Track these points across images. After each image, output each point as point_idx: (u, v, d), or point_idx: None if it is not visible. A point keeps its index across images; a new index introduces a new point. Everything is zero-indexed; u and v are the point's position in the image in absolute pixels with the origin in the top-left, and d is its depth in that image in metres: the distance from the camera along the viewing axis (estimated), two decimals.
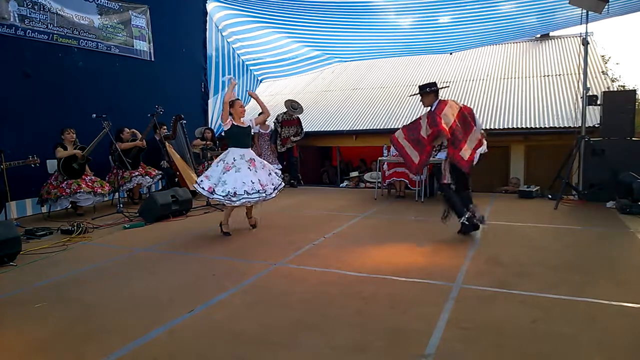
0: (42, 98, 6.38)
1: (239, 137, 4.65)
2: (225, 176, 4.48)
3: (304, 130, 9.13)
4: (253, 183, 4.49)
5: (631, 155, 6.13)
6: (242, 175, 4.48)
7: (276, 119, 8.92)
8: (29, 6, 6.20)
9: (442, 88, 4.51)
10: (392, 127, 8.99)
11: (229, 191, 4.40)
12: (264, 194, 4.55)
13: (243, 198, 4.42)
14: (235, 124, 4.64)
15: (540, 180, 7.41)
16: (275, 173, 4.88)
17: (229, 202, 4.45)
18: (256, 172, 4.61)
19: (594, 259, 3.74)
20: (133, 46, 7.80)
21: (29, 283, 3.40)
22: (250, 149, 4.77)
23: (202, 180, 4.56)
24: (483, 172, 8.04)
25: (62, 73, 6.66)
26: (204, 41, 9.43)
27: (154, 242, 4.60)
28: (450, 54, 10.97)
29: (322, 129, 9.81)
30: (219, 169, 4.58)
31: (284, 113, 8.98)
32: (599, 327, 2.44)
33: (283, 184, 4.91)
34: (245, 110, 4.83)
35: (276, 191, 4.73)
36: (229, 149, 4.69)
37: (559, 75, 9.54)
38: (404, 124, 8.22)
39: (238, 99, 4.84)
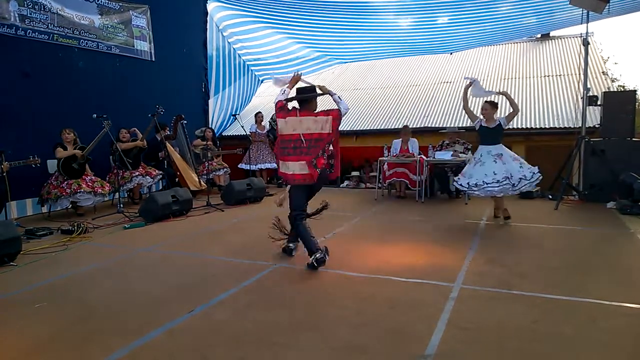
0: (42, 98, 6.38)
1: (487, 135, 5.14)
2: (473, 170, 5.10)
3: None
4: (495, 174, 4.90)
5: (631, 156, 6.13)
6: (485, 168, 4.98)
7: (272, 118, 8.91)
8: (30, 6, 6.20)
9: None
10: (392, 127, 8.99)
11: (472, 183, 5.00)
12: (507, 185, 4.86)
13: (483, 188, 4.92)
14: (484, 125, 5.14)
15: (541, 180, 7.40)
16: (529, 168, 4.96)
17: (471, 192, 5.09)
18: (503, 164, 4.94)
19: (594, 259, 3.74)
20: (134, 46, 7.79)
21: (29, 283, 3.40)
22: (499, 144, 5.10)
23: (459, 178, 5.24)
24: None
25: (63, 73, 6.66)
26: (204, 41, 9.44)
27: (154, 242, 4.60)
28: (451, 54, 10.97)
29: None
30: (471, 165, 5.21)
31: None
32: (599, 327, 2.44)
33: (537, 176, 4.91)
34: (489, 112, 5.11)
35: (528, 183, 4.88)
36: (479, 146, 5.22)
37: (560, 75, 9.53)
38: (404, 124, 8.31)
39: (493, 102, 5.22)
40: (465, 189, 5.12)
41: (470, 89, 5.28)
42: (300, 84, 4.10)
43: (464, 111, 5.62)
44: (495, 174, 4.89)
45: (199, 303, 2.87)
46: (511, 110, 5.11)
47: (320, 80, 12.76)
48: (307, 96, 3.96)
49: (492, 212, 5.69)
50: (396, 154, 7.17)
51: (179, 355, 2.24)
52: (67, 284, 3.39)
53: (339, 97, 3.99)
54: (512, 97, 5.27)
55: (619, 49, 37.50)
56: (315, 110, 3.94)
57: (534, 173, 4.87)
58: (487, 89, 5.48)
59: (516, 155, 5.10)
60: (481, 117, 5.19)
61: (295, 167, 3.75)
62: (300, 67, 10.99)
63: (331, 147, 3.84)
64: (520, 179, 4.85)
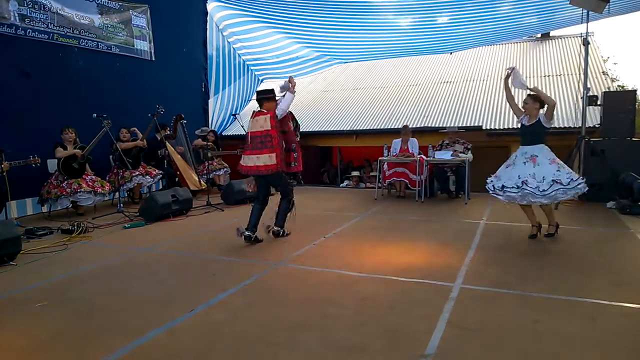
0: (42, 98, 6.38)
1: (524, 134, 4.55)
2: (502, 172, 4.56)
3: (301, 128, 9.11)
4: (519, 178, 4.30)
5: (631, 156, 6.12)
6: (513, 170, 4.43)
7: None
8: (29, 5, 6.20)
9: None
10: (392, 127, 8.98)
11: (498, 186, 4.46)
12: (527, 191, 4.26)
13: (505, 193, 4.41)
14: (523, 123, 4.55)
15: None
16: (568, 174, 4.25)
17: (496, 195, 4.54)
18: (537, 165, 4.27)
19: (594, 259, 3.74)
20: (133, 46, 7.79)
21: (29, 283, 3.40)
22: (539, 145, 4.40)
23: (491, 180, 4.62)
24: (483, 173, 8.03)
25: (63, 73, 6.66)
26: (204, 41, 9.44)
27: (154, 242, 4.60)
28: (450, 53, 10.97)
29: (322, 129, 9.80)
30: (503, 166, 4.63)
31: None
32: (599, 327, 2.44)
33: (579, 184, 4.14)
34: (529, 107, 4.46)
35: (562, 189, 4.13)
36: (520, 147, 4.60)
37: (560, 75, 9.53)
38: (404, 123, 8.31)
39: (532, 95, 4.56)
40: (490, 191, 4.57)
41: (510, 79, 4.65)
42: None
43: (506, 106, 5.00)
44: (518, 178, 4.29)
45: (199, 303, 2.87)
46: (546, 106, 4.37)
47: (321, 79, 12.79)
48: (258, 98, 4.54)
49: (493, 212, 5.70)
50: (396, 154, 7.17)
51: (179, 355, 2.24)
52: (67, 284, 3.39)
53: (290, 97, 4.45)
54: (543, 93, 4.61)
55: (619, 49, 37.51)
56: (271, 109, 4.41)
57: (572, 180, 4.10)
58: (524, 81, 4.69)
59: (557, 159, 4.32)
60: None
61: (247, 161, 4.40)
62: (300, 67, 11.01)
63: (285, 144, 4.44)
64: (554, 181, 4.11)
